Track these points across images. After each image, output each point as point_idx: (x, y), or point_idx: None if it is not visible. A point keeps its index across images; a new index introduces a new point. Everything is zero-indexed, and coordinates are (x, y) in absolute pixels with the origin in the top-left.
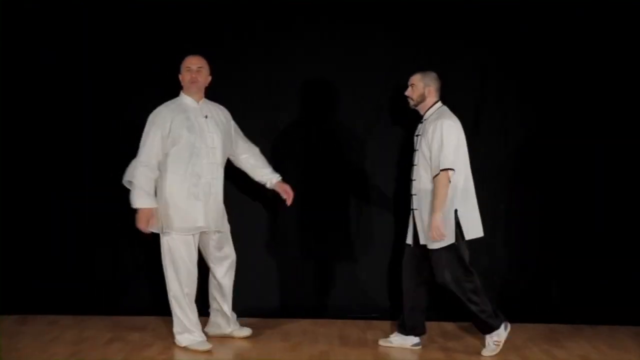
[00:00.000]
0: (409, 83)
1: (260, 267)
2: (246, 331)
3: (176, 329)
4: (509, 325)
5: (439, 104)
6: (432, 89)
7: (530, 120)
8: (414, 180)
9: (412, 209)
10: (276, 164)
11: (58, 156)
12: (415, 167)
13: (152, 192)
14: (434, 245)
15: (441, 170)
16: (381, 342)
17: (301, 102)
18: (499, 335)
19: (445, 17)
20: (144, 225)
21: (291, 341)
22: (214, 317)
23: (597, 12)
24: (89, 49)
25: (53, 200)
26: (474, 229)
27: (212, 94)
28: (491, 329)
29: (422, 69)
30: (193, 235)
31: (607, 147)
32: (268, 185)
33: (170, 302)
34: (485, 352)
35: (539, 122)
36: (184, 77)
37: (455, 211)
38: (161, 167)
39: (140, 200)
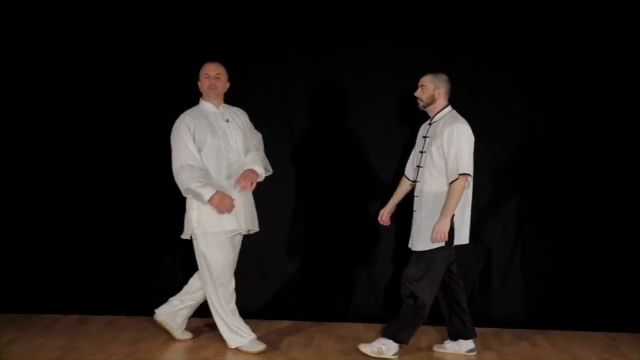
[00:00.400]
0: (419, 84)
1: (299, 271)
2: (188, 335)
3: (222, 330)
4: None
5: (450, 107)
6: (442, 91)
7: (530, 120)
8: (418, 182)
9: (413, 211)
10: (285, 166)
11: (58, 156)
12: (420, 168)
13: (208, 181)
14: (418, 248)
15: (460, 174)
16: (436, 348)
17: (308, 104)
18: (390, 351)
19: (446, 17)
20: (226, 207)
21: (345, 344)
22: (183, 308)
23: (597, 12)
24: (89, 49)
25: (53, 200)
26: (462, 236)
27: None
28: (401, 341)
29: (427, 70)
30: (232, 237)
31: (607, 147)
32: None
33: (210, 306)
34: (365, 348)
35: (539, 123)
36: (203, 83)
37: (453, 215)
38: None
39: (206, 192)
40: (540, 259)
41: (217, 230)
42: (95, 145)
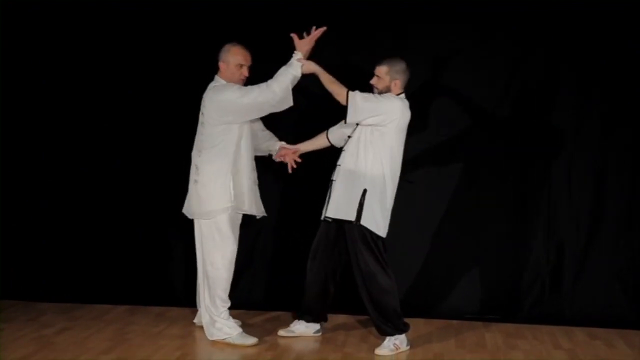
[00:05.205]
0: (375, 72)
1: None
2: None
3: (206, 321)
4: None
5: (402, 96)
6: (399, 82)
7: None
8: (344, 151)
9: (332, 180)
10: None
11: (58, 156)
12: (350, 138)
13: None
14: (337, 215)
15: (349, 92)
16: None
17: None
18: (403, 343)
19: (449, 17)
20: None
21: (337, 336)
22: None
23: (598, 12)
24: (89, 49)
25: (52, 201)
26: (377, 226)
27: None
28: (404, 330)
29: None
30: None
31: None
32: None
33: (207, 294)
34: (382, 350)
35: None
36: (235, 70)
37: (365, 191)
38: (211, 151)
39: (293, 70)
40: (617, 255)
41: (230, 205)
42: (94, 144)
